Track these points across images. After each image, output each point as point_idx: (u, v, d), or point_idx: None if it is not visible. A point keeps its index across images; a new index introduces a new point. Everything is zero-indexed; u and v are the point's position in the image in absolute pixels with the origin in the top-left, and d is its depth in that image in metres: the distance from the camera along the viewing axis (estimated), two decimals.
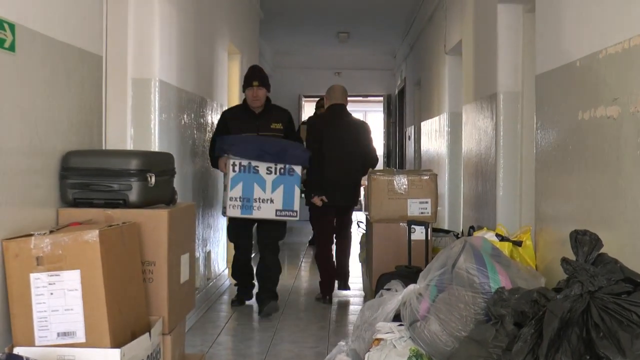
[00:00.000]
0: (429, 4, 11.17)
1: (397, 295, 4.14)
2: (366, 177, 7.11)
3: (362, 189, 8.98)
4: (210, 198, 7.61)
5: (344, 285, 8.18)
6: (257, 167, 6.92)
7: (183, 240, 4.19)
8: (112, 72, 5.22)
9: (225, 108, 8.27)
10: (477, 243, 4.09)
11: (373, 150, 7.97)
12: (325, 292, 7.77)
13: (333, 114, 7.91)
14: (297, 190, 7.00)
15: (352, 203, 8.00)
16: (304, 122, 11.76)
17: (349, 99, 8.05)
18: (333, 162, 7.60)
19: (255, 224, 7.42)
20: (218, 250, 7.99)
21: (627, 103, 3.56)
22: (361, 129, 8.01)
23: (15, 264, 3.29)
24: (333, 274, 7.91)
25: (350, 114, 8.07)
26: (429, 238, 6.22)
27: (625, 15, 3.62)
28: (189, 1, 6.62)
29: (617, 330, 2.88)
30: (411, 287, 4.10)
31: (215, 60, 7.88)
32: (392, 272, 5.69)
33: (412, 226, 6.23)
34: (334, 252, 8.06)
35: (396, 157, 17.73)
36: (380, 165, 19.28)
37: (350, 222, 8.22)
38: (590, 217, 4.04)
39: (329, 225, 7.96)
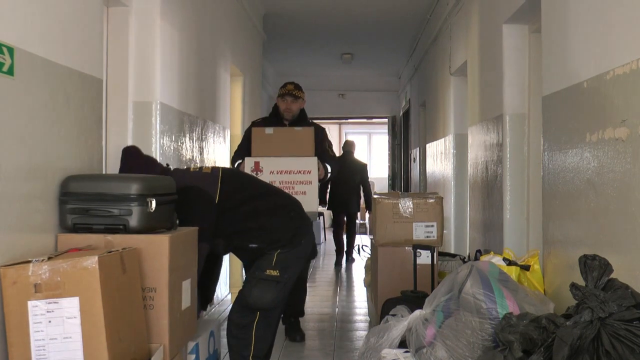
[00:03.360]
0: (433, 25, 11.16)
1: (402, 321, 4.09)
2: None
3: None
4: None
5: (349, 259, 13.72)
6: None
7: (184, 266, 4.13)
8: (113, 95, 5.19)
9: (227, 131, 8.26)
10: (484, 267, 4.04)
11: (367, 179, 13.87)
12: (338, 259, 13.40)
13: (345, 157, 13.42)
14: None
15: (356, 209, 13.66)
16: None
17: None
18: (345, 186, 12.97)
19: None
20: (222, 275, 7.92)
21: (636, 124, 3.51)
22: (362, 168, 13.81)
23: (12, 291, 3.23)
24: (342, 247, 13.54)
25: (355, 158, 13.84)
26: (435, 262, 6.14)
27: (632, 36, 3.58)
28: (191, 23, 6.60)
29: (629, 357, 2.83)
30: (417, 312, 4.05)
31: (217, 82, 7.86)
32: (398, 297, 5.63)
33: (418, 250, 6.17)
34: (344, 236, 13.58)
35: (401, 179, 17.70)
36: (385, 188, 19.36)
37: (354, 218, 13.92)
38: (600, 241, 3.98)
39: (342, 221, 13.50)
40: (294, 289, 5.39)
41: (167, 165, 4.95)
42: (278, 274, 4.81)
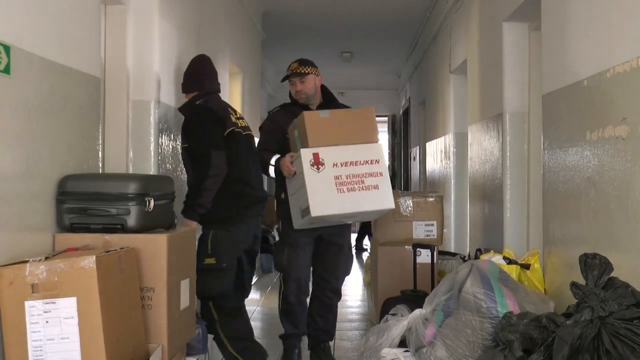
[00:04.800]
0: (433, 23, 11.15)
1: (402, 321, 4.08)
2: None
3: None
4: None
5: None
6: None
7: (183, 266, 4.11)
8: (111, 94, 5.17)
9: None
10: (484, 266, 4.03)
11: None
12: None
13: None
14: None
15: None
16: None
17: None
18: None
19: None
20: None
21: (637, 123, 3.49)
22: None
23: (9, 292, 3.21)
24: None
25: None
26: (435, 261, 6.13)
27: (633, 34, 3.56)
28: (189, 21, 6.58)
29: (630, 357, 2.82)
30: (417, 312, 4.04)
31: None
32: (398, 296, 5.62)
33: (418, 249, 6.16)
34: None
35: (401, 178, 17.69)
36: None
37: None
38: (600, 240, 3.96)
39: None
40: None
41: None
42: (215, 261, 4.92)
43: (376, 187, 5.31)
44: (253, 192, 5.22)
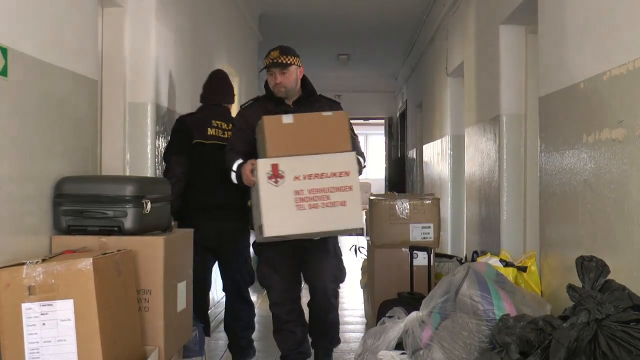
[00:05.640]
0: (430, 26, 11.15)
1: (399, 323, 4.07)
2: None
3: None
4: None
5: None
6: None
7: (180, 268, 4.11)
8: (108, 96, 5.18)
9: None
10: (480, 269, 4.02)
11: None
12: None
13: None
14: None
15: None
16: None
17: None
18: None
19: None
20: (216, 277, 7.89)
21: (633, 125, 3.50)
22: None
23: (6, 294, 3.21)
24: None
25: None
26: (432, 263, 6.13)
27: (629, 36, 3.56)
28: (186, 24, 6.58)
29: (626, 359, 2.81)
30: (414, 314, 4.03)
31: None
32: (394, 298, 5.61)
33: (415, 251, 6.15)
34: None
35: (398, 180, 17.69)
36: (381, 189, 19.38)
37: None
38: (597, 242, 3.96)
39: None
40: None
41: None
42: None
43: (343, 203, 4.71)
44: (204, 198, 5.43)
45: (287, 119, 4.83)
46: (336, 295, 5.40)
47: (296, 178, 4.68)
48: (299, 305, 5.36)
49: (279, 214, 4.66)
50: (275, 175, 4.68)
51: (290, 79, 5.20)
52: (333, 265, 5.30)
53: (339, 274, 5.40)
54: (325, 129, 4.83)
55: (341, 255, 5.46)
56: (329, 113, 4.92)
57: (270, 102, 5.26)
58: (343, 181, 4.72)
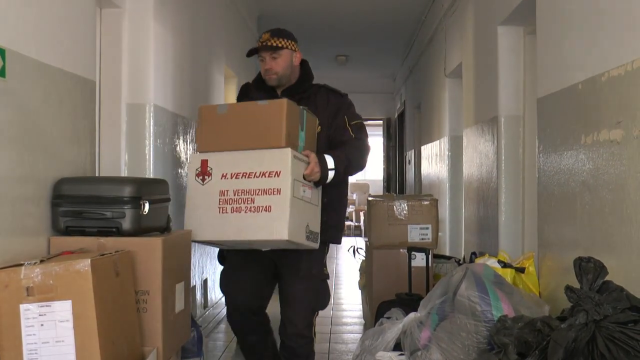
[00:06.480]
0: (428, 27, 11.15)
1: (397, 324, 4.08)
2: None
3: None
4: None
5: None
6: None
7: (178, 269, 4.10)
8: (106, 97, 5.17)
9: None
10: (478, 270, 4.03)
11: None
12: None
13: None
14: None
15: None
16: None
17: None
18: None
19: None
20: (215, 278, 7.91)
21: (631, 126, 3.50)
22: None
23: (4, 295, 3.20)
24: None
25: None
26: (430, 264, 6.13)
27: (628, 37, 3.57)
28: (184, 24, 6.58)
29: None
30: (412, 315, 4.04)
31: (211, 84, 7.83)
32: (393, 299, 5.62)
33: (413, 252, 6.16)
34: None
35: (396, 181, 17.69)
36: (379, 190, 19.31)
37: None
38: (595, 243, 3.97)
39: None
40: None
41: None
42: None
43: (267, 209, 4.04)
44: None
45: (222, 109, 4.33)
46: (309, 325, 4.59)
47: (223, 176, 4.20)
48: (256, 325, 4.73)
49: (200, 216, 4.22)
50: (204, 172, 4.25)
51: (282, 65, 4.57)
52: (307, 290, 4.58)
53: (315, 300, 4.64)
54: (262, 120, 4.17)
55: (321, 275, 4.69)
56: (265, 102, 4.24)
57: (258, 91, 4.67)
58: (271, 183, 4.07)
